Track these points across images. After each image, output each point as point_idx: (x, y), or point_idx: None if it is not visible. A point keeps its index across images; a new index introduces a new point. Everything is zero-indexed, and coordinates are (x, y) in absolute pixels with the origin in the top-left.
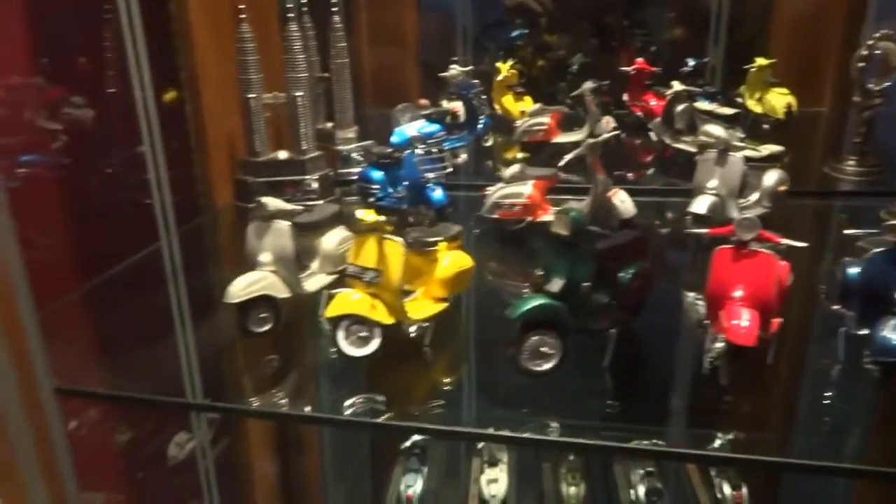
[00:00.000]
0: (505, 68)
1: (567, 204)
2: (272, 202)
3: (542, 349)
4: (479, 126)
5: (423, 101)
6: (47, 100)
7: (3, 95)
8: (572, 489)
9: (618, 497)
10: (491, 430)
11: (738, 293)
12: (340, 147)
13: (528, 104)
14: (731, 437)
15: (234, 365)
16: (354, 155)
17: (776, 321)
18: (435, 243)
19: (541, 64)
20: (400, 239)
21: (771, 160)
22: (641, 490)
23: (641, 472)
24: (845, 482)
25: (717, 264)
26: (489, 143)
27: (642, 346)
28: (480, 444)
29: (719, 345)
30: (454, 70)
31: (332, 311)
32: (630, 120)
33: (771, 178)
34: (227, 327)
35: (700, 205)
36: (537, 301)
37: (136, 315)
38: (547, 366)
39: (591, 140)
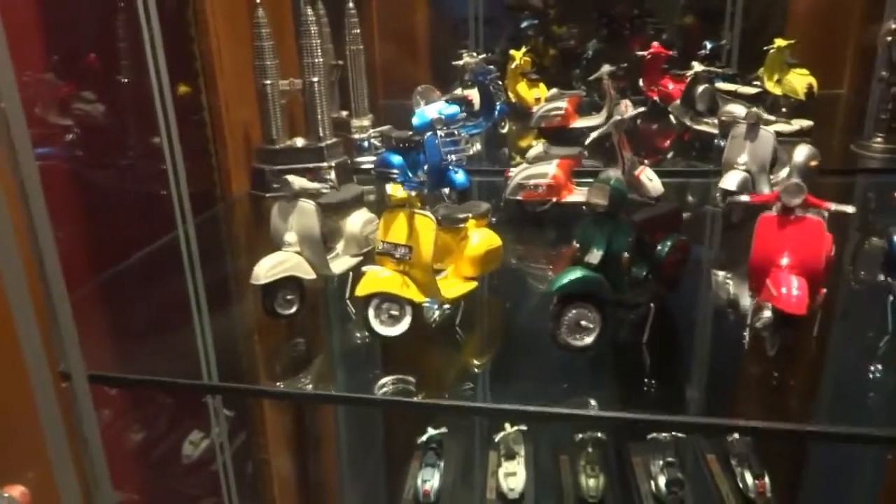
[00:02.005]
0: (518, 55)
1: (604, 173)
2: (297, 181)
3: (582, 323)
4: (496, 112)
5: (435, 93)
6: (62, 92)
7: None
8: (591, 481)
9: (637, 488)
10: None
11: (785, 260)
12: (357, 136)
13: (543, 91)
14: (774, 409)
15: (260, 348)
16: (373, 140)
17: (822, 291)
18: (465, 220)
19: (552, 54)
20: (431, 214)
21: (801, 135)
22: (662, 481)
23: (661, 462)
24: (872, 476)
25: (762, 232)
26: (505, 130)
27: (677, 322)
28: (498, 438)
29: (766, 314)
30: (468, 57)
31: (362, 289)
32: (647, 105)
33: (802, 153)
34: (251, 311)
35: (730, 181)
36: (576, 273)
37: (155, 303)
38: (587, 340)
39: (617, 117)
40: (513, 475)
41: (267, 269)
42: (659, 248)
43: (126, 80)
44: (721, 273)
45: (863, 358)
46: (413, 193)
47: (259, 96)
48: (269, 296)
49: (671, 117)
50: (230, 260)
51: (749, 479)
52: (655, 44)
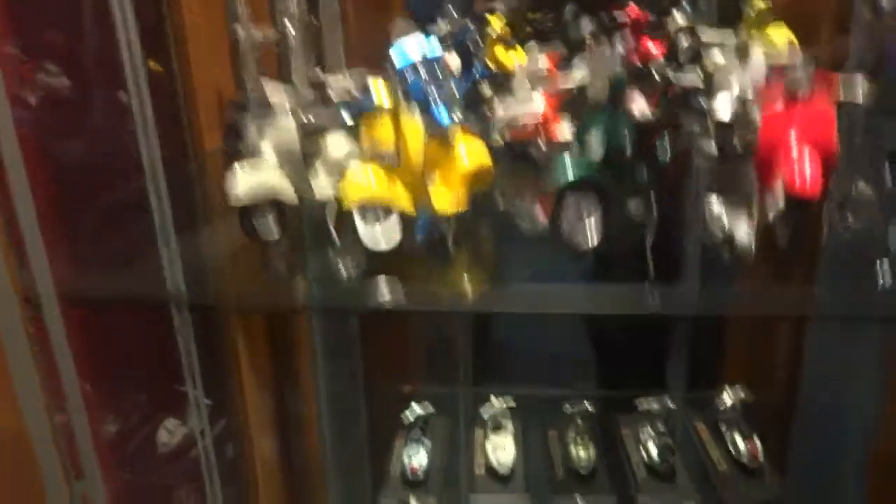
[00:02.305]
0: (495, 20)
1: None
2: (275, 94)
3: (585, 220)
4: (476, 73)
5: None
6: (25, 68)
7: None
8: (582, 452)
9: (628, 457)
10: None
11: (795, 145)
12: (334, 91)
13: (521, 54)
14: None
15: (237, 271)
16: (352, 91)
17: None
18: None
19: (528, 31)
20: (417, 115)
21: None
22: (653, 449)
23: (651, 431)
24: (862, 439)
25: (768, 124)
26: (487, 95)
27: (680, 226)
28: (486, 415)
29: (778, 202)
30: (443, 23)
31: (349, 195)
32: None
33: None
34: (228, 234)
35: (722, 110)
36: (579, 168)
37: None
38: (590, 239)
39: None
40: (501, 449)
41: (246, 186)
42: (659, 149)
43: (93, 33)
44: (713, 196)
45: (876, 248)
46: (400, 96)
47: (231, 49)
48: (247, 216)
49: (654, 75)
50: (202, 199)
51: (740, 442)
52: (632, 5)
